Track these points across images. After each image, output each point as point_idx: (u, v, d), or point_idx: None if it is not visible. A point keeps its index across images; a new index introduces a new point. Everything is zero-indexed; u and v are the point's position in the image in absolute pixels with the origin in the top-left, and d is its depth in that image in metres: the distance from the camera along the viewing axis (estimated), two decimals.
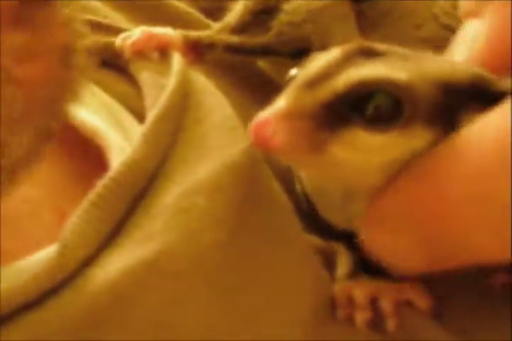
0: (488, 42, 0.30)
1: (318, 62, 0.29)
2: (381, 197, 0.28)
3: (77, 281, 0.28)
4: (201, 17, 0.46)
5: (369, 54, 0.29)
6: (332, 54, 0.29)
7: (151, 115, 0.33)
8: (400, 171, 0.28)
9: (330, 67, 0.29)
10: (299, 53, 0.39)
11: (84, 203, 0.29)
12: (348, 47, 0.30)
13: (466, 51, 0.31)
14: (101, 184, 0.30)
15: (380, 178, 0.29)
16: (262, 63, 0.44)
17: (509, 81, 0.29)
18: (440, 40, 0.36)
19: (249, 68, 0.44)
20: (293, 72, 0.30)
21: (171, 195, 0.31)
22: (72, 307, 0.28)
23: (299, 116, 0.28)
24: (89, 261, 0.29)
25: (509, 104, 0.25)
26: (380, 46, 0.30)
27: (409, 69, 0.28)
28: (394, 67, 0.28)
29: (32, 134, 0.30)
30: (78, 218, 0.29)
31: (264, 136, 0.27)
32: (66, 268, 0.28)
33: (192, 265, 0.30)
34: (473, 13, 0.32)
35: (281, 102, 0.28)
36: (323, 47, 0.31)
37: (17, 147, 0.29)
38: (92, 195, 0.29)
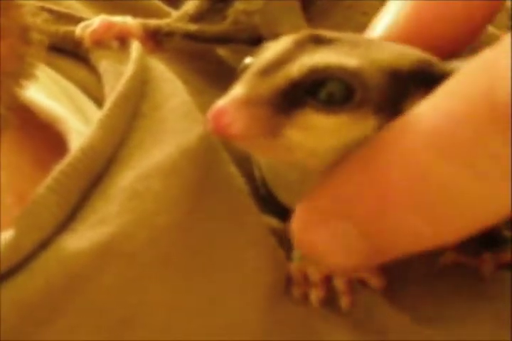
0: (408, 16, 0.31)
1: (270, 50, 0.30)
2: (320, 187, 0.27)
3: (32, 264, 0.28)
4: (161, 5, 0.47)
5: (319, 41, 0.30)
6: (283, 42, 0.30)
7: (108, 101, 0.34)
8: (342, 158, 0.27)
9: (283, 54, 0.29)
10: (257, 41, 0.39)
11: (41, 187, 0.30)
12: (299, 35, 0.30)
13: (385, 27, 0.31)
14: (57, 169, 0.30)
15: (331, 161, 0.30)
16: (221, 51, 0.44)
17: (452, 63, 0.30)
18: None
19: (209, 56, 0.45)
20: (247, 60, 0.31)
21: (126, 179, 0.31)
22: (28, 290, 0.28)
23: (255, 102, 0.28)
24: (44, 245, 0.29)
25: (444, 87, 0.25)
26: (328, 33, 0.30)
27: (359, 56, 0.29)
28: (344, 53, 0.29)
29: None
30: (34, 202, 0.29)
31: (223, 123, 0.28)
32: (21, 251, 0.28)
33: (147, 246, 0.30)
34: None
35: (237, 90, 0.29)
36: (272, 36, 0.31)
37: None
38: (48, 180, 0.30)
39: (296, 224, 0.27)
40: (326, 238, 0.26)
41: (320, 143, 0.29)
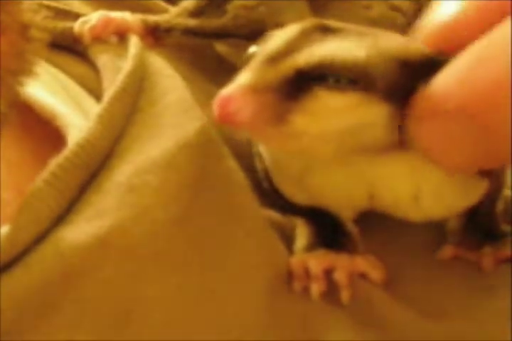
0: None
1: (277, 38, 0.30)
2: (432, 90, 0.28)
3: (29, 258, 0.28)
4: (159, 2, 0.47)
5: (325, 30, 0.30)
6: (290, 31, 0.30)
7: (106, 96, 0.34)
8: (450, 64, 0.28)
9: (290, 43, 0.29)
10: (256, 35, 0.39)
11: (38, 181, 0.30)
12: (306, 24, 0.30)
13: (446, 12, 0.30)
14: (54, 162, 0.30)
15: (337, 148, 0.30)
16: (220, 47, 0.44)
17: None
18: (389, 21, 0.37)
19: (208, 52, 0.45)
20: (251, 49, 0.31)
21: (123, 174, 0.31)
22: (25, 283, 0.28)
23: (262, 90, 0.28)
24: (40, 239, 0.29)
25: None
26: (334, 23, 0.30)
27: (367, 47, 0.29)
28: (352, 44, 0.29)
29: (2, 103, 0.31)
30: (31, 196, 0.29)
31: (230, 110, 0.28)
32: (18, 244, 0.28)
33: (144, 240, 0.30)
34: None
35: (244, 77, 0.29)
36: (276, 26, 0.31)
37: None
38: (45, 173, 0.30)
39: (417, 124, 0.28)
40: (442, 135, 0.28)
41: (327, 127, 0.29)
